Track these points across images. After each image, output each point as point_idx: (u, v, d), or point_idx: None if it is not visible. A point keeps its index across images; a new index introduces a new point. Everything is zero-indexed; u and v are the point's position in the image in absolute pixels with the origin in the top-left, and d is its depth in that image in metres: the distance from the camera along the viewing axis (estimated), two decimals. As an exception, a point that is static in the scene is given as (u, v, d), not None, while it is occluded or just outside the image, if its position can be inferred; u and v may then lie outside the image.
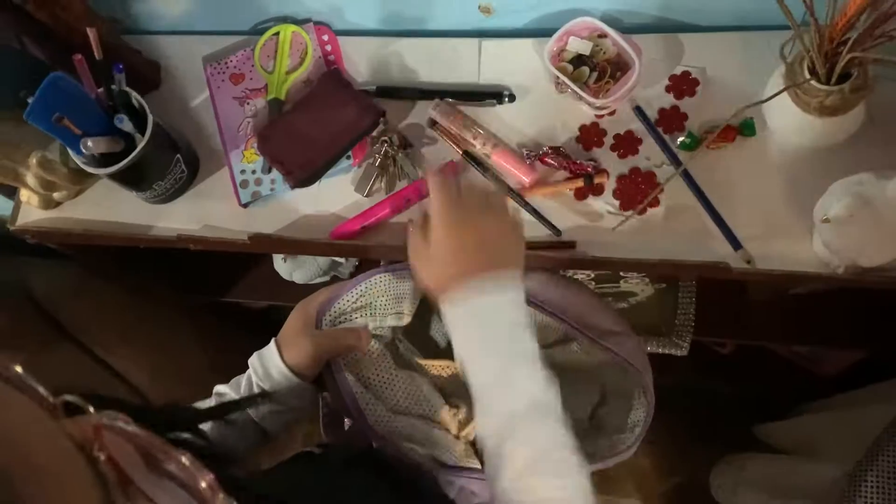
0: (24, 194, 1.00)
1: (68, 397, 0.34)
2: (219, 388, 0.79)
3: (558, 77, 0.89)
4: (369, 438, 0.77)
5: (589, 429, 0.91)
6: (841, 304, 1.20)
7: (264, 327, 1.52)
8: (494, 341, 0.65)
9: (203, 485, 0.36)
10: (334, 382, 0.77)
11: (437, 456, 0.77)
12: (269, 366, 0.76)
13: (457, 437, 0.80)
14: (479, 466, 0.78)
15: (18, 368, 0.34)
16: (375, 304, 0.83)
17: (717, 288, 1.14)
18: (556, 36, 0.90)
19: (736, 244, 0.83)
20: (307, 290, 1.32)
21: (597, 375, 0.96)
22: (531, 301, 0.90)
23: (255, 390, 0.76)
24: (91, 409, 0.36)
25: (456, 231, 0.67)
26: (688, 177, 0.86)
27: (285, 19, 1.02)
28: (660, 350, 1.17)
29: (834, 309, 1.20)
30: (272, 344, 0.78)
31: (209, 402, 0.78)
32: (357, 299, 0.82)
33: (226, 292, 1.37)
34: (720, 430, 1.56)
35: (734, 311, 1.21)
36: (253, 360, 0.78)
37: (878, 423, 1.03)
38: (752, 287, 1.19)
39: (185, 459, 0.36)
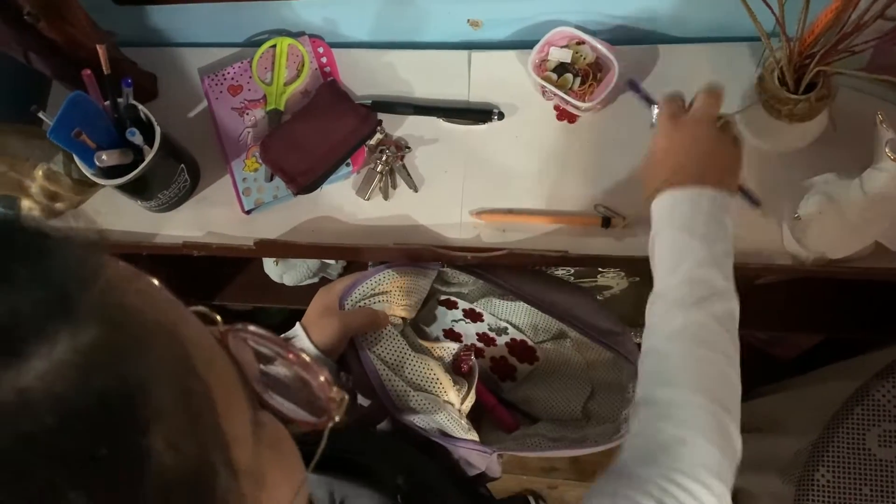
0: (26, 205, 1.02)
1: (198, 308, 0.36)
2: None
3: (544, 86, 0.95)
4: (388, 413, 0.84)
5: (580, 419, 0.98)
6: (799, 292, 1.29)
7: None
8: (703, 232, 0.69)
9: (321, 378, 0.38)
10: (358, 360, 0.85)
11: (443, 428, 0.85)
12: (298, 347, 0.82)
13: (459, 411, 0.88)
14: (477, 439, 0.86)
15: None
16: (391, 292, 0.91)
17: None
18: (536, 48, 0.96)
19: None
20: (296, 292, 1.36)
21: (587, 371, 1.03)
22: (529, 299, 0.97)
23: None
24: (218, 318, 0.37)
25: (670, 141, 0.74)
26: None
27: (280, 32, 1.06)
28: (637, 340, 1.25)
29: (793, 297, 1.29)
30: (298, 326, 0.84)
31: None
32: (375, 286, 0.91)
33: (215, 295, 1.40)
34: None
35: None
36: None
37: (835, 399, 1.12)
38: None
39: (305, 356, 0.38)
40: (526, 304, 0.99)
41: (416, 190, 0.98)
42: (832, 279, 0.93)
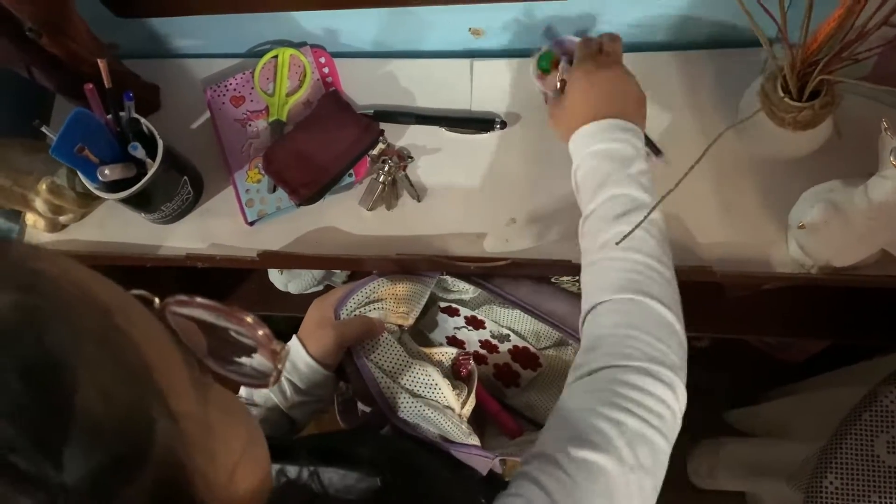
0: (30, 218, 1.02)
1: (136, 291, 0.39)
2: (241, 392, 0.85)
3: (545, 93, 0.95)
4: (387, 421, 0.84)
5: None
6: (806, 297, 1.28)
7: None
8: (618, 155, 0.74)
9: (260, 332, 0.41)
10: (356, 369, 0.85)
11: (444, 433, 0.85)
12: (295, 359, 0.84)
13: (459, 416, 0.87)
14: (478, 444, 0.86)
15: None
16: (386, 300, 0.92)
17: (695, 287, 1.20)
18: (536, 54, 0.96)
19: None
20: (300, 300, 1.36)
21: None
22: (531, 310, 0.97)
23: (284, 383, 0.83)
24: (155, 298, 0.40)
25: (589, 82, 0.80)
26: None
27: (281, 42, 1.06)
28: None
29: (801, 302, 1.28)
30: (295, 339, 0.86)
31: (237, 397, 0.84)
32: (370, 295, 0.92)
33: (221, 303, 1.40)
34: (695, 417, 1.64)
35: (711, 308, 1.28)
36: None
37: (843, 405, 1.11)
38: (729, 286, 1.26)
39: (248, 318, 0.41)
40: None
41: (418, 200, 0.97)
42: (837, 286, 0.92)
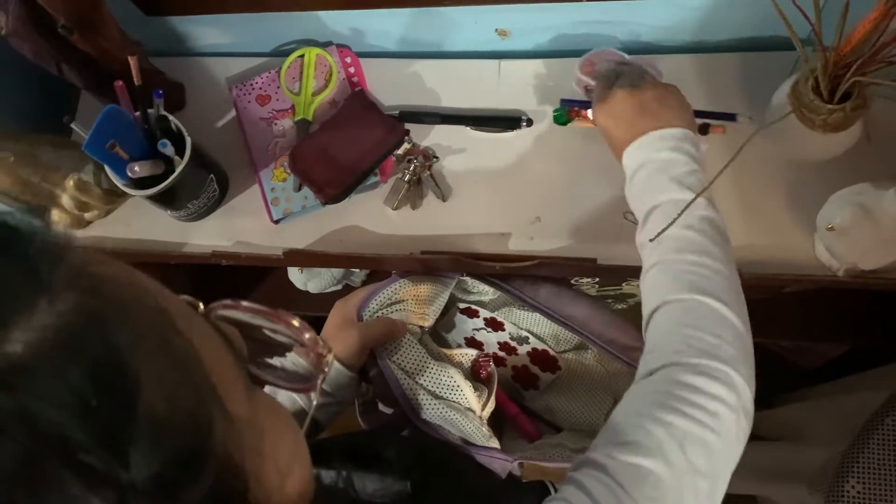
0: (56, 215, 1.02)
1: (184, 297, 0.39)
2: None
3: (588, 84, 0.94)
4: (409, 423, 0.84)
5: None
6: (825, 301, 1.28)
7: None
8: (666, 165, 0.73)
9: (307, 336, 0.42)
10: (379, 371, 0.85)
11: (464, 435, 0.86)
12: None
13: (480, 418, 0.87)
14: (498, 446, 0.86)
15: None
16: (407, 301, 0.92)
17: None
18: (584, 58, 0.95)
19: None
20: (319, 299, 1.37)
21: (609, 383, 1.03)
22: (547, 312, 0.97)
23: None
24: (200, 303, 0.40)
25: (638, 98, 0.78)
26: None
27: (307, 42, 1.06)
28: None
29: (822, 306, 1.28)
30: None
31: None
32: (392, 296, 0.92)
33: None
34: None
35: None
36: None
37: (862, 409, 1.11)
38: (750, 287, 1.26)
39: (295, 321, 0.41)
40: None
41: (444, 199, 0.97)
42: (855, 290, 0.92)
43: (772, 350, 1.59)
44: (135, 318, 0.32)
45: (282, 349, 0.45)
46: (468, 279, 1.02)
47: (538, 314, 1.01)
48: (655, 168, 0.73)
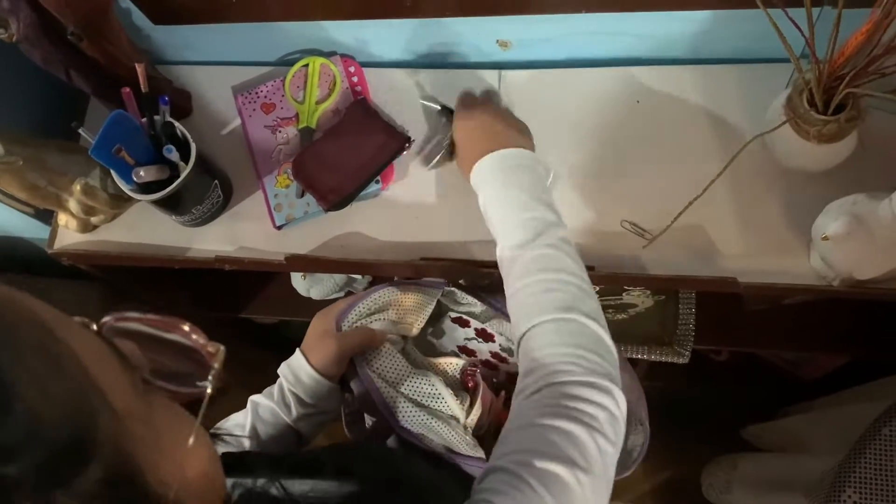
0: (62, 218, 1.04)
1: (77, 319, 0.41)
2: (253, 397, 0.88)
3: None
4: (392, 431, 0.85)
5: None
6: (825, 313, 1.29)
7: (275, 341, 1.56)
8: (518, 181, 0.80)
9: (195, 336, 0.43)
10: (359, 380, 0.86)
11: (448, 444, 0.86)
12: (298, 372, 0.85)
13: (464, 427, 0.87)
14: (483, 456, 0.86)
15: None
16: (387, 311, 0.93)
17: (715, 300, 1.21)
18: None
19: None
20: (322, 305, 1.37)
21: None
22: None
23: (289, 396, 0.84)
24: (94, 325, 0.42)
25: (472, 125, 0.88)
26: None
27: (311, 52, 1.08)
28: (662, 358, 1.25)
29: (820, 317, 1.28)
30: (298, 352, 0.87)
31: (245, 412, 0.87)
32: (371, 306, 0.92)
33: (242, 309, 1.42)
34: (710, 433, 1.65)
35: (730, 322, 1.29)
36: (283, 369, 0.87)
37: (861, 421, 1.11)
38: (749, 299, 1.27)
39: (185, 326, 0.43)
40: None
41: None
42: (859, 300, 0.93)
43: (772, 362, 1.59)
44: (7, 324, 0.35)
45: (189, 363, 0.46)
46: (456, 291, 1.03)
47: None
48: (514, 185, 0.80)
